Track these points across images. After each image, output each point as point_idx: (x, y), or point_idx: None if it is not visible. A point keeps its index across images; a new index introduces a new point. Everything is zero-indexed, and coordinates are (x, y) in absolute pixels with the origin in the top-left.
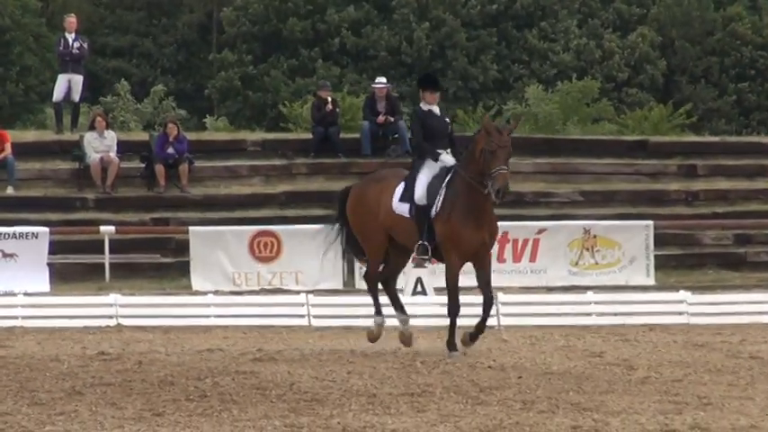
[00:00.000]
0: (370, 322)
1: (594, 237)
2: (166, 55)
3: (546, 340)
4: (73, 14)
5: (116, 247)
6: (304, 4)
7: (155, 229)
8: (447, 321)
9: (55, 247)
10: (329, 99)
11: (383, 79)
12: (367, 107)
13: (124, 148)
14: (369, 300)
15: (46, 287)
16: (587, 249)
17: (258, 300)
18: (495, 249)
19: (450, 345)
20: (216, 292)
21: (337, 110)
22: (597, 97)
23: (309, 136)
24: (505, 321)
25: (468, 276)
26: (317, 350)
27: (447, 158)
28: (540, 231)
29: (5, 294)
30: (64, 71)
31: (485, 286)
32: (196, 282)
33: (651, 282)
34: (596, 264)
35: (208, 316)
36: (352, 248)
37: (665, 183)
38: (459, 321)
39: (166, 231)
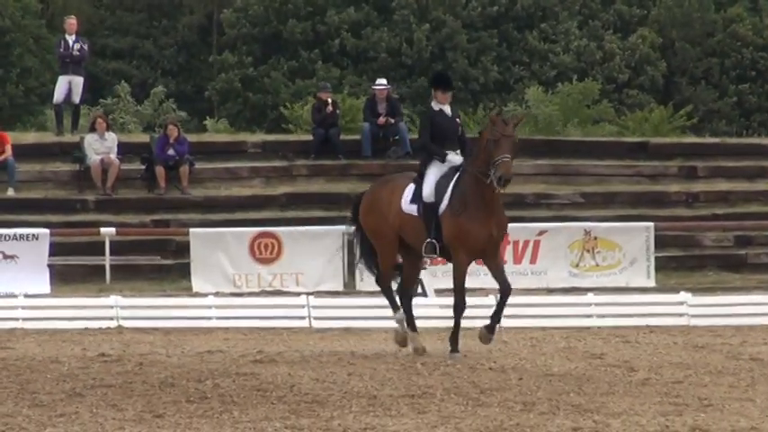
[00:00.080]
0: (369, 323)
1: (595, 238)
2: (167, 57)
3: (546, 342)
4: (73, 16)
5: (116, 248)
6: (304, 6)
7: (155, 231)
8: (446, 323)
9: (55, 249)
10: (329, 101)
11: (383, 81)
12: (367, 109)
13: (125, 150)
14: (369, 301)
15: (46, 289)
16: (588, 251)
17: (259, 301)
18: None
19: (453, 345)
20: (216, 294)
21: (337, 111)
22: (598, 99)
23: (310, 137)
24: (506, 323)
25: (471, 277)
26: (318, 352)
27: (455, 158)
28: (541, 233)
29: (6, 296)
30: (64, 73)
31: (500, 275)
32: (196, 283)
33: (652, 283)
34: (597, 265)
35: (208, 317)
36: (366, 261)
37: (665, 184)
38: (464, 323)
39: (167, 233)
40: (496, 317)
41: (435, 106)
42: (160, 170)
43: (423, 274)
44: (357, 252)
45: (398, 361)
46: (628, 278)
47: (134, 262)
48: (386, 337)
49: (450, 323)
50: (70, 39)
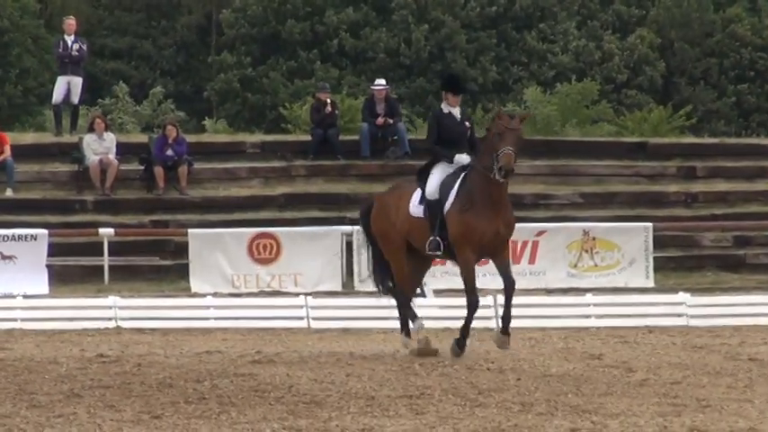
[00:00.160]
0: (368, 324)
1: (594, 239)
2: (165, 57)
3: (545, 342)
4: (72, 16)
5: (115, 249)
6: (303, 6)
7: (154, 232)
8: (445, 324)
9: (54, 250)
10: (328, 101)
11: (382, 81)
12: (366, 109)
13: (123, 151)
14: (367, 302)
15: (45, 289)
16: (586, 251)
17: (257, 302)
18: None
19: (461, 343)
20: (215, 295)
21: (336, 112)
22: (596, 99)
23: (308, 138)
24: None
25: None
26: (316, 352)
27: (462, 158)
28: (540, 233)
29: (4, 296)
30: (63, 73)
31: (504, 270)
32: (195, 284)
33: (650, 284)
34: (595, 266)
35: (207, 318)
36: (377, 278)
37: (664, 184)
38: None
39: (165, 233)
40: (506, 317)
41: (445, 108)
42: (159, 170)
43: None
44: (369, 269)
45: (397, 362)
46: (626, 278)
47: (132, 262)
48: (384, 338)
49: (449, 323)
50: (69, 39)
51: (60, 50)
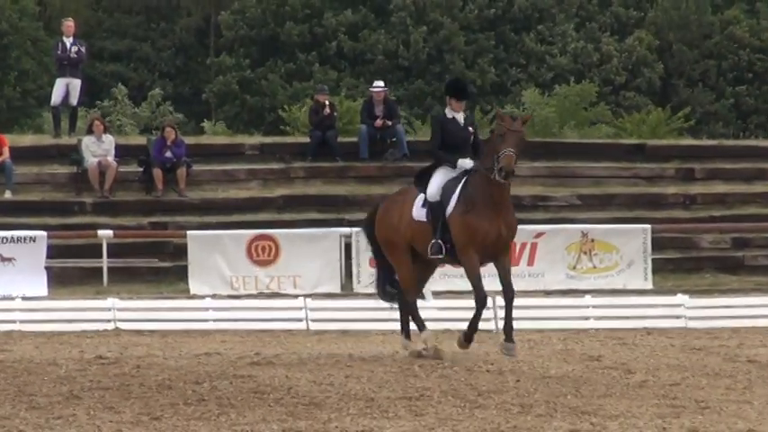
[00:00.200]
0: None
1: (592, 240)
2: (164, 59)
3: (544, 344)
4: (71, 18)
5: (114, 251)
6: (301, 8)
7: (152, 233)
8: (444, 325)
9: (53, 251)
10: (327, 103)
11: (381, 83)
12: (365, 111)
13: (122, 152)
14: (366, 303)
15: (44, 291)
16: (585, 253)
17: (256, 304)
18: None
19: (468, 336)
20: (214, 296)
21: (335, 114)
22: (595, 101)
23: (307, 140)
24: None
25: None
26: (315, 354)
27: (465, 162)
28: (538, 235)
29: (3, 298)
30: (62, 75)
31: (504, 278)
32: (194, 286)
33: (649, 285)
34: (594, 267)
35: (206, 320)
36: (382, 292)
37: (662, 186)
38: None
39: (164, 235)
40: (508, 327)
41: (448, 113)
42: (157, 172)
43: None
44: (375, 279)
45: (396, 363)
46: (625, 280)
47: (131, 264)
48: (383, 340)
49: (449, 325)
50: (68, 41)
51: (59, 52)
